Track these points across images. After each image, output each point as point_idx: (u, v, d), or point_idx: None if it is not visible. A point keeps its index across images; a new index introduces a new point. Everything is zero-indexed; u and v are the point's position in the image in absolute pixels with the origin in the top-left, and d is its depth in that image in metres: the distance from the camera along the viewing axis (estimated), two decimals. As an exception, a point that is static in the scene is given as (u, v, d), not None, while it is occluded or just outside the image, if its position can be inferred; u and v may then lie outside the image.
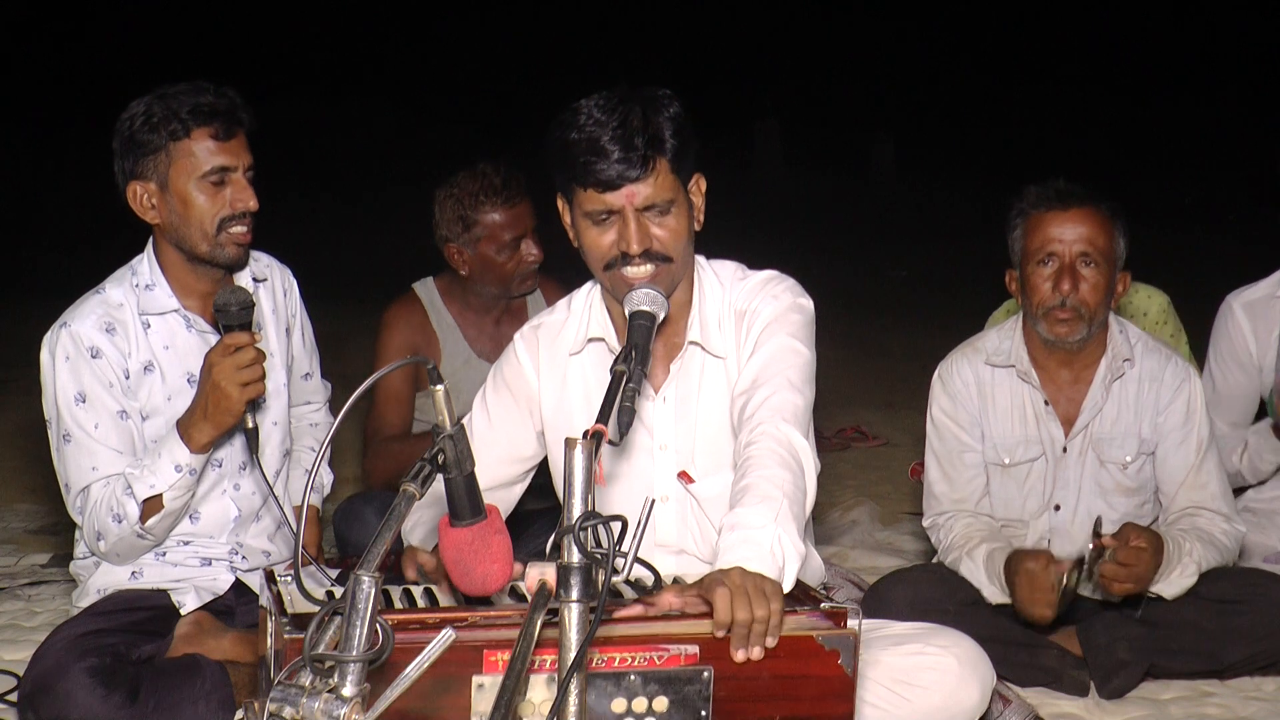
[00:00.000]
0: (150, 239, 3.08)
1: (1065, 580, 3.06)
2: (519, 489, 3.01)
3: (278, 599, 2.41)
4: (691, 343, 2.79)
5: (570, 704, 1.91)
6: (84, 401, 2.98)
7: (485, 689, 2.12)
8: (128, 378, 3.01)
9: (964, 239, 10.76)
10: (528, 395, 2.89)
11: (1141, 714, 3.14)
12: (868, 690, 2.45)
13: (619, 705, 2.17)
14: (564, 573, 1.88)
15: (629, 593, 2.51)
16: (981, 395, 3.38)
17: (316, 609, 1.83)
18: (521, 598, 2.46)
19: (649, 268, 2.63)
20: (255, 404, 2.96)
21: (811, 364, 2.75)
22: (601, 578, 1.90)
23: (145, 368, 3.04)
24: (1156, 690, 3.23)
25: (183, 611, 3.05)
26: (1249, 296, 3.76)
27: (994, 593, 3.20)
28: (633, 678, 2.17)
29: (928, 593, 3.21)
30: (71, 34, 20.19)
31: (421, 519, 2.92)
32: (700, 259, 2.83)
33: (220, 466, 3.10)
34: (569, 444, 1.91)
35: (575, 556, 1.88)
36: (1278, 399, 3.61)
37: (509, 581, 2.20)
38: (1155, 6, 21.29)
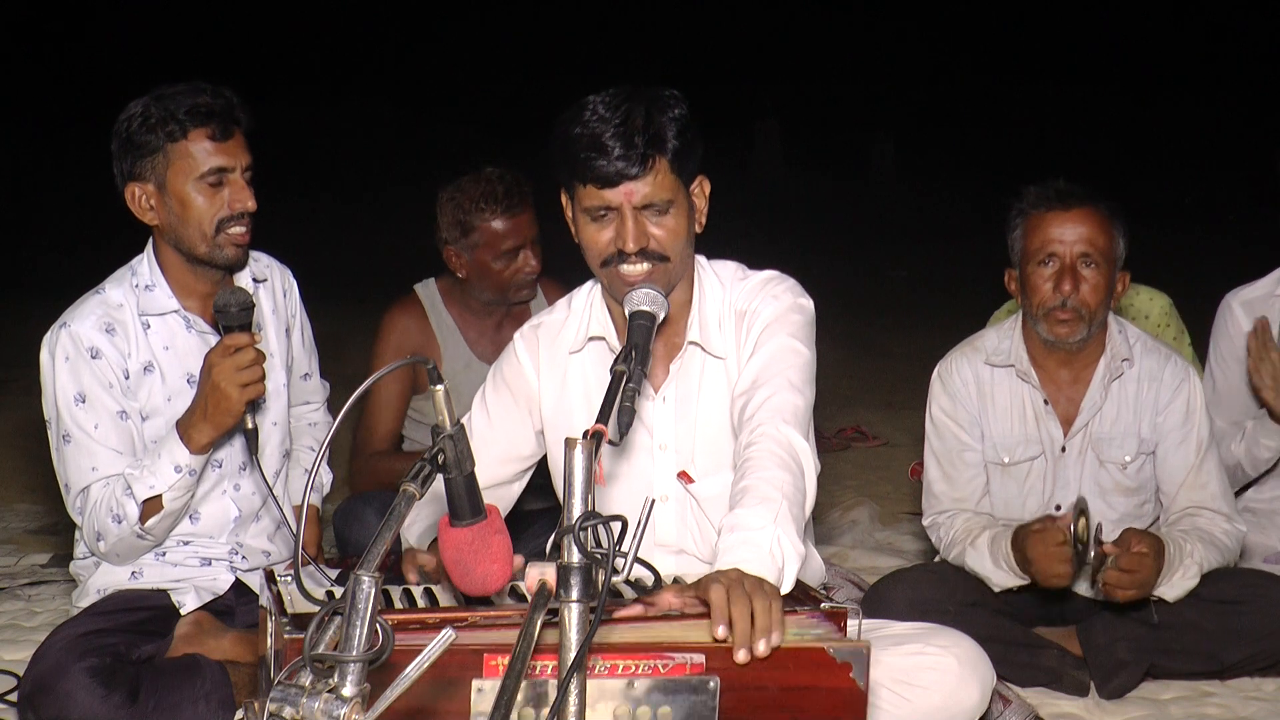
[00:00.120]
0: (150, 239, 3.08)
1: (1073, 529, 3.05)
2: (518, 487, 3.01)
3: (278, 599, 2.40)
4: (691, 343, 2.79)
5: (570, 704, 1.91)
6: (84, 402, 2.97)
7: (485, 693, 2.12)
8: (127, 378, 3.01)
9: (964, 239, 10.76)
10: (527, 394, 2.89)
11: (1141, 714, 3.14)
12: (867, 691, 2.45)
13: (623, 713, 2.14)
14: (564, 573, 1.88)
15: (629, 593, 2.51)
16: (981, 394, 3.38)
17: (316, 609, 1.82)
18: (521, 598, 2.46)
19: (645, 266, 2.63)
20: (255, 405, 2.96)
21: (812, 364, 2.75)
22: (601, 578, 1.90)
23: (145, 368, 3.03)
24: (1156, 690, 3.23)
25: (183, 611, 3.05)
26: (1248, 295, 3.76)
27: (1003, 577, 3.19)
28: (636, 686, 2.14)
29: (928, 593, 3.21)
30: (71, 34, 20.20)
31: (419, 515, 2.92)
32: (701, 259, 2.83)
33: (220, 467, 3.10)
34: (569, 444, 1.91)
35: (575, 556, 1.88)
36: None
37: (509, 581, 2.20)
38: (1155, 6, 21.30)
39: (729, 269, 2.86)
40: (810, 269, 3.54)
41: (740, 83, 20.13)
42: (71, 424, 2.98)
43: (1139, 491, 3.36)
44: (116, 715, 2.78)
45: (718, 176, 2.77)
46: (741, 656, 2.15)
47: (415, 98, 20.41)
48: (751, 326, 2.77)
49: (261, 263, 3.24)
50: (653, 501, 2.15)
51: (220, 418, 2.90)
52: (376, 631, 1.76)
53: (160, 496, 2.93)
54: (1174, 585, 3.16)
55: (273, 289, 3.25)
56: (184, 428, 2.93)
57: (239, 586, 3.14)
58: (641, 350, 2.40)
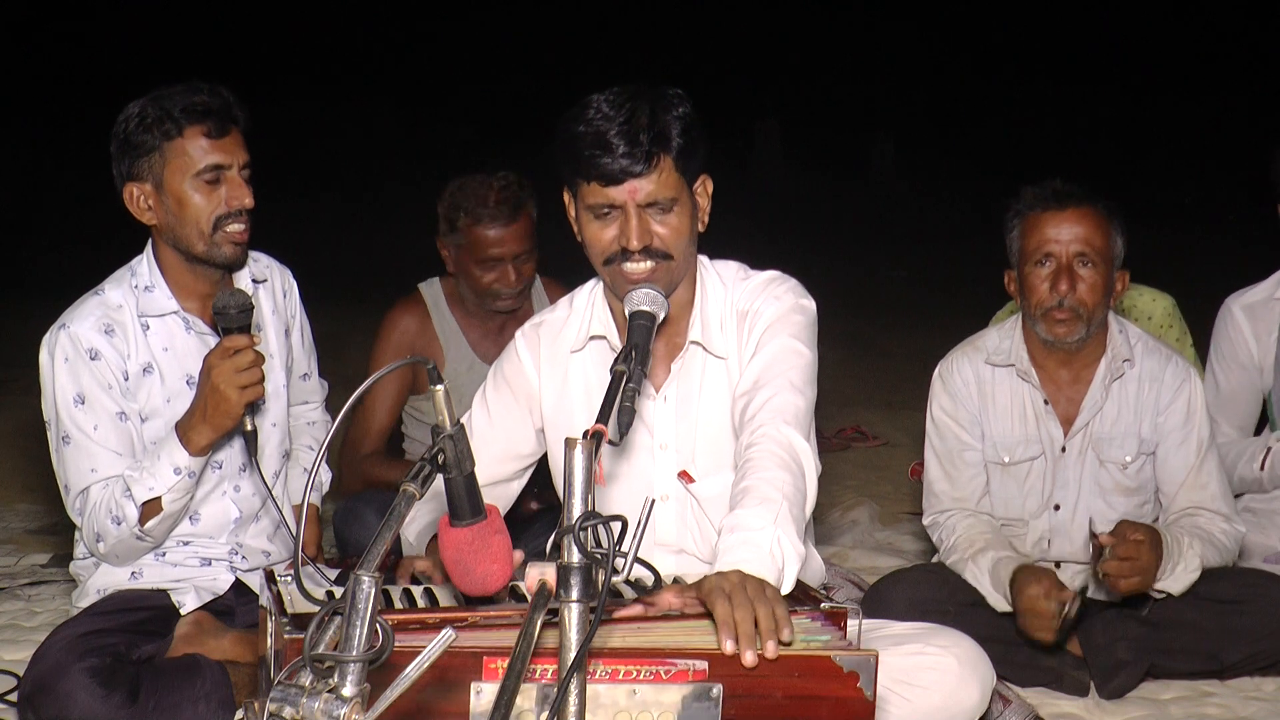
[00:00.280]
0: (149, 240, 3.08)
1: (1067, 609, 3.05)
2: (517, 486, 3.01)
3: (278, 599, 2.40)
4: (693, 342, 2.79)
5: (570, 705, 1.90)
6: (83, 403, 2.97)
7: (484, 695, 2.12)
8: (127, 379, 3.01)
9: (964, 239, 10.75)
10: (528, 393, 2.89)
11: (1141, 714, 3.14)
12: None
13: None
14: (564, 573, 1.88)
15: (629, 593, 2.51)
16: (981, 394, 3.38)
17: (316, 609, 1.82)
18: (521, 598, 2.46)
19: (648, 264, 2.63)
20: (254, 407, 2.96)
21: (813, 365, 2.75)
22: (601, 578, 1.90)
23: (144, 369, 3.03)
24: (1156, 690, 3.23)
25: (183, 611, 3.05)
26: (1248, 299, 3.76)
27: (998, 601, 3.19)
28: (638, 692, 2.12)
29: (928, 593, 3.21)
30: (71, 34, 20.19)
31: (419, 513, 2.92)
32: (703, 259, 2.84)
33: (220, 468, 3.10)
34: (569, 444, 1.90)
35: (575, 556, 1.88)
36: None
37: (509, 581, 2.20)
38: (1155, 6, 21.29)
39: (731, 269, 2.87)
40: (810, 269, 3.54)
41: (740, 83, 20.12)
42: (71, 425, 2.98)
43: (1139, 492, 3.36)
44: (116, 715, 2.78)
45: (718, 176, 2.78)
46: (749, 659, 2.12)
47: (415, 98, 20.40)
48: (753, 327, 2.77)
49: (261, 263, 3.24)
50: (653, 501, 2.15)
51: (220, 420, 2.90)
52: (376, 631, 1.76)
53: (160, 498, 2.93)
54: (1176, 578, 3.15)
55: (272, 289, 3.25)
56: (183, 430, 2.92)
57: (239, 586, 3.14)
58: (641, 350, 2.40)
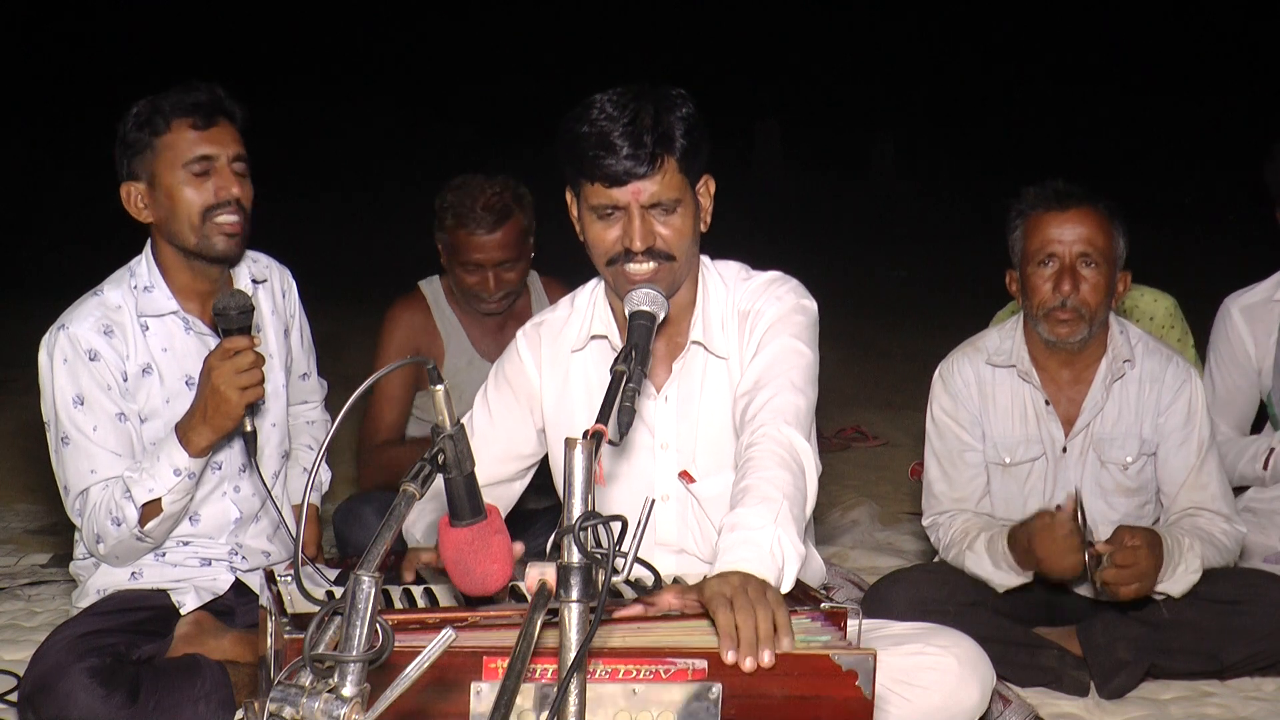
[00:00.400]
0: (148, 240, 3.08)
1: (1079, 517, 3.05)
2: (519, 486, 3.01)
3: (278, 599, 2.40)
4: (694, 342, 2.79)
5: (570, 704, 1.90)
6: (82, 404, 2.97)
7: (484, 695, 2.12)
8: (126, 380, 3.01)
9: (964, 239, 10.76)
10: (529, 392, 2.89)
11: (1141, 714, 3.14)
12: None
13: (624, 719, 2.14)
14: (564, 573, 1.88)
15: (629, 593, 2.51)
16: (982, 395, 3.38)
17: (316, 609, 1.82)
18: (521, 598, 2.46)
19: (651, 265, 2.63)
20: (254, 408, 2.96)
21: (814, 365, 2.75)
22: (601, 578, 1.90)
23: (143, 370, 3.03)
24: (1156, 690, 3.23)
25: (183, 611, 3.05)
26: (1247, 300, 3.76)
27: (1005, 577, 3.19)
28: (638, 691, 2.12)
29: (928, 593, 3.21)
30: (71, 34, 20.20)
31: (424, 511, 2.92)
32: (705, 259, 2.84)
33: (220, 469, 3.10)
34: (569, 444, 1.90)
35: (575, 556, 1.87)
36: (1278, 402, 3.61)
37: (509, 581, 2.20)
38: (1155, 6, 21.29)
39: (732, 269, 2.87)
40: (810, 269, 3.53)
41: (740, 83, 20.13)
42: (70, 426, 2.97)
43: (1140, 492, 3.36)
44: (116, 715, 2.78)
45: (718, 176, 2.78)
46: (748, 665, 2.12)
47: (415, 98, 20.40)
48: (755, 327, 2.77)
49: (260, 263, 3.24)
50: (653, 501, 2.15)
51: (219, 421, 2.90)
52: (376, 631, 1.76)
53: (159, 500, 2.93)
54: (1178, 579, 3.15)
55: (272, 290, 3.25)
56: (183, 431, 2.92)
57: (239, 586, 3.14)
58: (641, 350, 2.40)
